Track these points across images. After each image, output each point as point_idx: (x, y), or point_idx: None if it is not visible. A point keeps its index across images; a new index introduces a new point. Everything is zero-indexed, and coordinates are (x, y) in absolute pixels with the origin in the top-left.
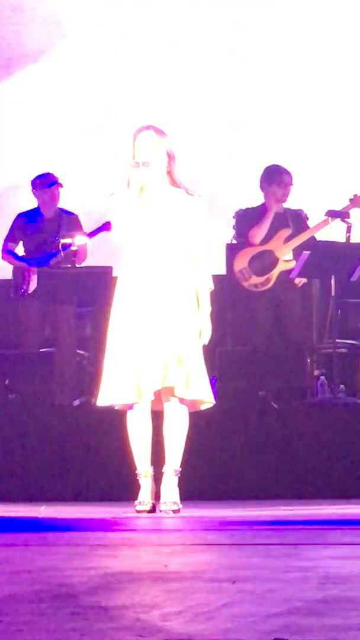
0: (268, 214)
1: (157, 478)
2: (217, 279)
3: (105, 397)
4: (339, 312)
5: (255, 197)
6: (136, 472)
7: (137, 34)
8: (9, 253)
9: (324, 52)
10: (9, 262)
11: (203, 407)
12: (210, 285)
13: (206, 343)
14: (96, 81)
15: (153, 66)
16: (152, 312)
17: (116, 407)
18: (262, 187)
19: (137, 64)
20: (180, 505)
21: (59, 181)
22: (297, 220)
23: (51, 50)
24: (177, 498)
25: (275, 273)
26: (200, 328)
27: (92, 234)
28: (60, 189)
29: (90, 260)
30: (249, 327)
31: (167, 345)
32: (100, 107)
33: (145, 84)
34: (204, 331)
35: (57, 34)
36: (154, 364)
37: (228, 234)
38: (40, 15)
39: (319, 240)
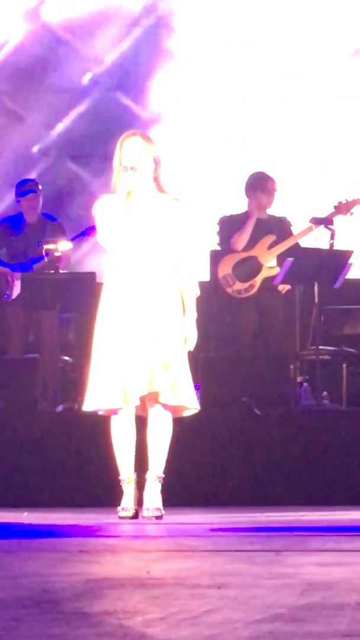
0: (250, 220)
1: (141, 484)
2: (201, 285)
3: (91, 402)
4: (322, 318)
5: (241, 204)
6: (119, 478)
7: (137, 38)
8: None
9: (312, 63)
10: None
11: (186, 414)
12: (196, 291)
13: (192, 349)
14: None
15: (150, 71)
16: (138, 317)
17: (100, 412)
18: (246, 194)
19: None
20: (163, 512)
21: (37, 189)
22: (281, 227)
23: None
24: (160, 504)
25: (259, 279)
26: (185, 334)
27: (75, 240)
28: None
29: (74, 266)
30: (232, 334)
31: (153, 350)
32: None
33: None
34: (190, 337)
35: None
36: (140, 369)
37: (212, 240)
38: None
39: (303, 247)
